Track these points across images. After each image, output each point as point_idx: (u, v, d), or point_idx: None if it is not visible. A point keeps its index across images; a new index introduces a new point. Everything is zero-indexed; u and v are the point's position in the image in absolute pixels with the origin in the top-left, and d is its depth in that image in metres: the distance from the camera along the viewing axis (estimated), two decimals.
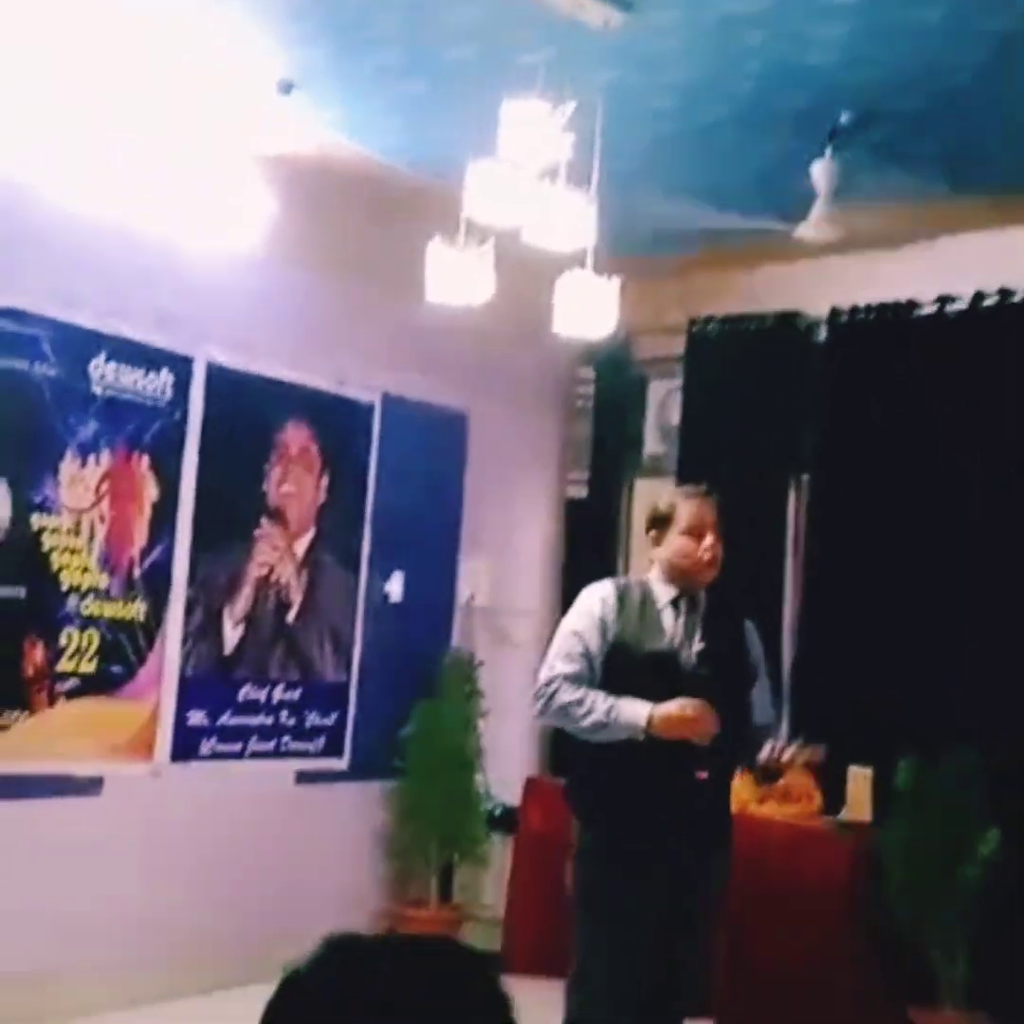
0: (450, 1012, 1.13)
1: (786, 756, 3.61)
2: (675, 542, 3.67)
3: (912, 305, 5.70)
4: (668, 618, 3.66)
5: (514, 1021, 1.17)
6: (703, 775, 3.51)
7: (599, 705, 3.49)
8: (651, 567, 3.77)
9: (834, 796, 5.41)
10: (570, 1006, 3.56)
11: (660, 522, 3.72)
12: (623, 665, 3.57)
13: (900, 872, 4.82)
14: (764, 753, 3.65)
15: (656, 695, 3.48)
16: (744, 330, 6.25)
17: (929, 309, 5.67)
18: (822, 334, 6.05)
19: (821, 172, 4.79)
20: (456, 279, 3.99)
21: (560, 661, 3.60)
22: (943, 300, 5.62)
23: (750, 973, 5.20)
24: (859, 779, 5.31)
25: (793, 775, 5.48)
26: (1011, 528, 5.34)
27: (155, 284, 5.07)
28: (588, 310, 4.19)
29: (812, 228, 4.85)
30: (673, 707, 3.44)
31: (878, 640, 5.63)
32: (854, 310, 5.88)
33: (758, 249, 5.97)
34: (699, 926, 3.64)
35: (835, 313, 5.94)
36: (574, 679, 3.55)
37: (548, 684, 3.57)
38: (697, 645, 3.63)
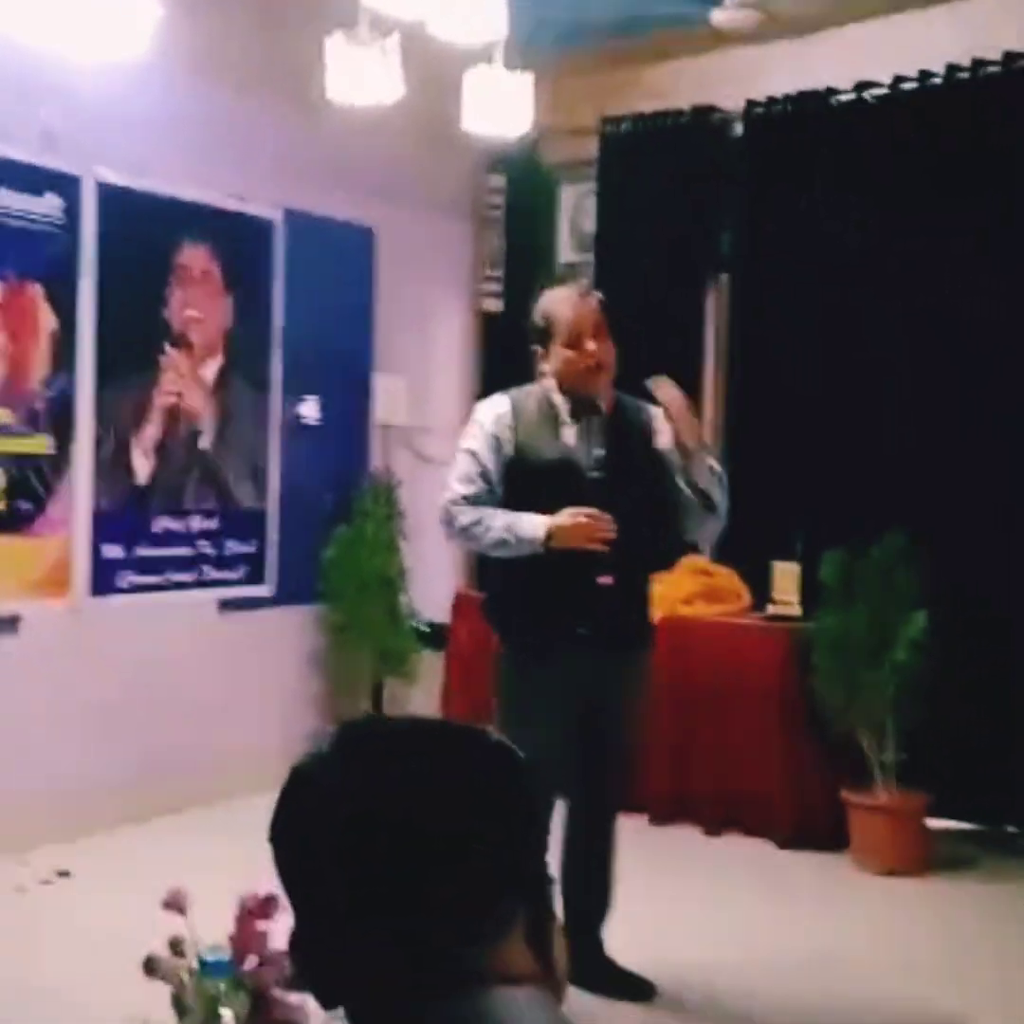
0: (468, 801, 1.09)
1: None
2: (558, 354, 3.51)
3: (830, 92, 5.54)
4: (568, 429, 3.54)
5: (538, 814, 1.15)
6: (607, 580, 3.44)
7: (497, 523, 3.44)
8: (545, 378, 3.61)
9: (761, 594, 5.45)
10: None
11: (540, 336, 3.55)
12: (522, 478, 3.50)
13: (829, 661, 4.90)
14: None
15: (557, 505, 3.41)
16: (658, 128, 6.05)
17: (847, 96, 5.51)
18: (738, 128, 5.88)
19: None
20: (360, 78, 3.76)
21: (457, 482, 3.53)
22: (862, 86, 5.46)
23: (685, 769, 5.31)
24: (785, 574, 5.35)
25: (721, 574, 5.54)
26: (932, 315, 5.30)
27: (37, 101, 4.75)
28: (499, 108, 4.01)
29: (728, 14, 4.65)
30: (564, 517, 3.38)
31: (801, 437, 5.63)
32: (771, 101, 5.72)
33: (670, 42, 5.76)
34: (619, 729, 3.65)
35: (751, 105, 5.76)
36: (472, 499, 3.49)
37: (447, 507, 3.52)
38: (596, 451, 3.49)
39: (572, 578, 3.45)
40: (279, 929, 2.01)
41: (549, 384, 3.58)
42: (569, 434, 3.54)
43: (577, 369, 3.49)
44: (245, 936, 2.04)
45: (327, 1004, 1.11)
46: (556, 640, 3.51)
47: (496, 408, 3.57)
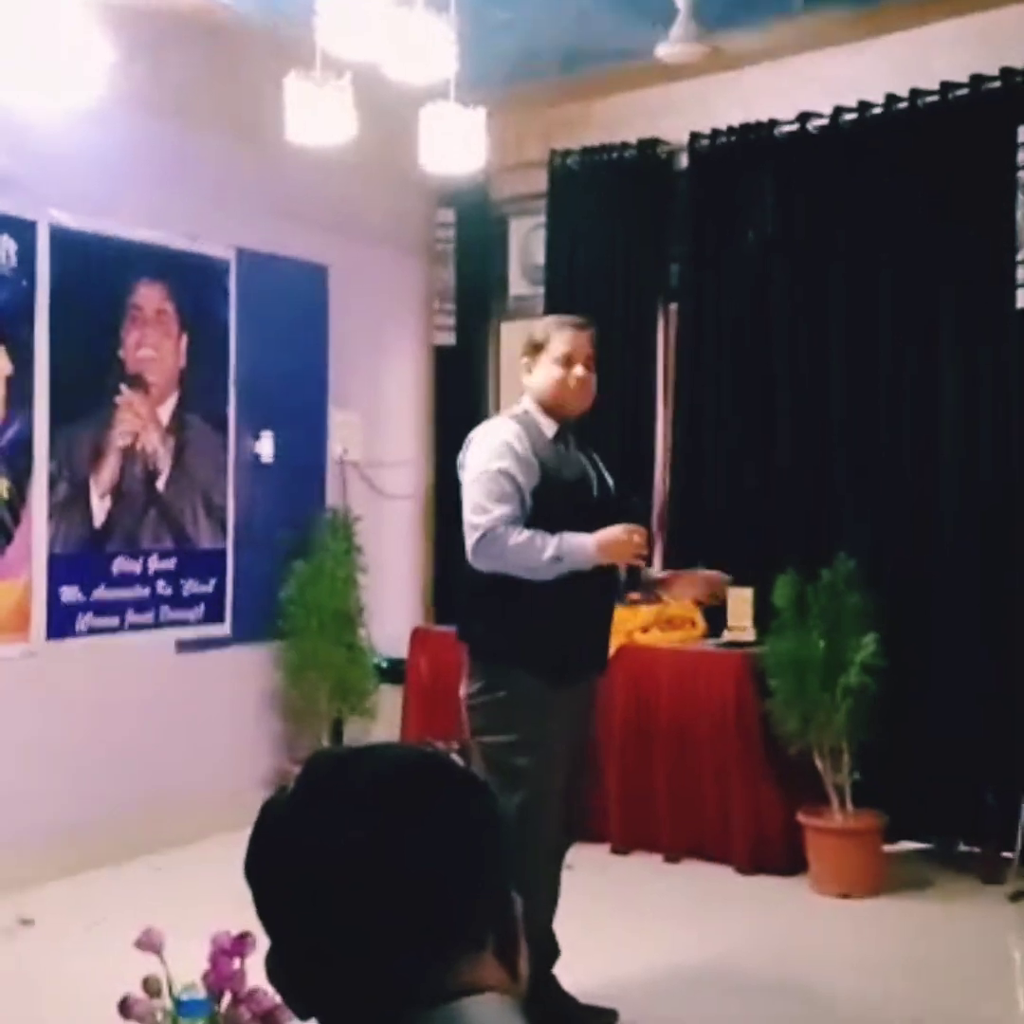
0: (434, 827, 1.12)
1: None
2: (546, 370, 3.63)
3: (773, 124, 5.64)
4: (558, 452, 3.65)
5: (500, 837, 1.17)
6: (636, 596, 3.67)
7: (549, 541, 3.45)
8: (522, 400, 3.71)
9: (716, 620, 5.50)
10: None
11: (533, 349, 3.68)
12: (548, 499, 3.54)
13: (783, 685, 4.94)
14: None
15: (575, 524, 3.51)
16: (605, 161, 6.14)
17: (789, 127, 5.61)
18: (683, 160, 5.97)
19: None
20: (315, 117, 3.80)
21: (495, 503, 3.48)
22: (804, 117, 5.56)
23: (644, 795, 5.34)
24: (739, 600, 5.40)
25: (677, 604, 5.59)
26: (875, 344, 5.40)
27: None
28: (453, 145, 4.05)
29: (674, 47, 4.73)
30: (618, 531, 3.47)
31: (749, 465, 5.70)
32: (715, 133, 5.80)
33: (615, 76, 5.84)
34: (587, 754, 3.77)
35: (695, 137, 5.85)
36: (514, 520, 3.48)
37: (493, 528, 3.46)
38: (590, 475, 3.70)
39: (599, 597, 3.62)
40: (254, 966, 2.03)
41: (530, 407, 3.66)
42: (574, 458, 3.68)
43: (563, 388, 3.62)
44: (220, 975, 2.05)
45: (302, 1016, 1.16)
46: (577, 665, 3.61)
47: (513, 431, 3.59)
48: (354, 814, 1.12)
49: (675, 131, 5.96)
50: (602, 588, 3.63)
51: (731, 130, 5.76)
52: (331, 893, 1.10)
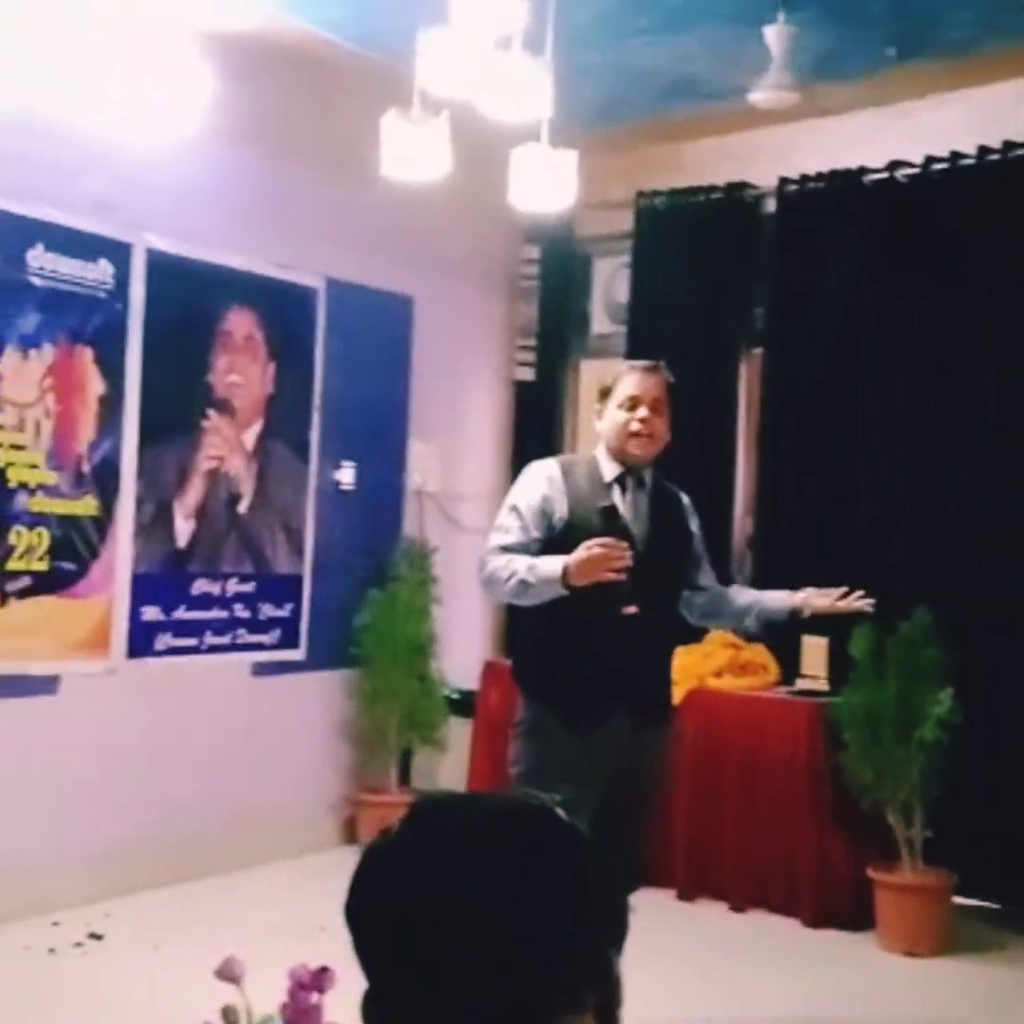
0: (533, 880, 1.12)
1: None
2: (610, 415, 3.62)
3: (863, 171, 5.63)
4: (616, 496, 3.60)
5: (595, 892, 1.16)
6: (631, 609, 3.47)
7: (520, 566, 3.45)
8: (598, 444, 3.73)
9: (789, 667, 5.47)
10: None
11: (603, 395, 3.69)
12: (571, 542, 3.44)
13: (857, 737, 4.90)
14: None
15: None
16: (692, 203, 6.16)
17: (880, 175, 5.60)
18: (771, 205, 5.98)
19: (775, 36, 4.68)
20: (411, 154, 3.85)
21: (496, 534, 3.59)
22: (894, 165, 5.55)
23: (711, 841, 5.30)
24: (814, 648, 5.36)
25: (749, 648, 5.56)
26: (963, 392, 5.35)
27: (91, 169, 4.88)
28: (544, 184, 4.08)
29: (767, 94, 4.74)
30: (580, 550, 3.36)
31: (831, 512, 5.66)
32: (804, 178, 5.80)
33: (706, 119, 5.87)
34: (641, 801, 3.61)
35: (784, 182, 5.85)
36: (505, 549, 3.52)
37: (482, 557, 3.57)
38: (645, 524, 3.61)
39: (597, 615, 3.45)
40: (332, 1002, 2.03)
41: (599, 450, 3.67)
42: (619, 503, 3.60)
43: (622, 432, 3.58)
44: (298, 1009, 2.06)
45: None
46: (593, 700, 3.50)
47: (548, 471, 3.63)
48: (458, 861, 1.12)
49: (763, 176, 5.97)
50: (626, 622, 3.48)
51: (820, 176, 5.76)
52: (432, 940, 1.10)
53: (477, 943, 1.09)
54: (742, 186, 6.04)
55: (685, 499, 3.81)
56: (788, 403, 5.87)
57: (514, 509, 3.58)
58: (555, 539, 3.52)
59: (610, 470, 3.62)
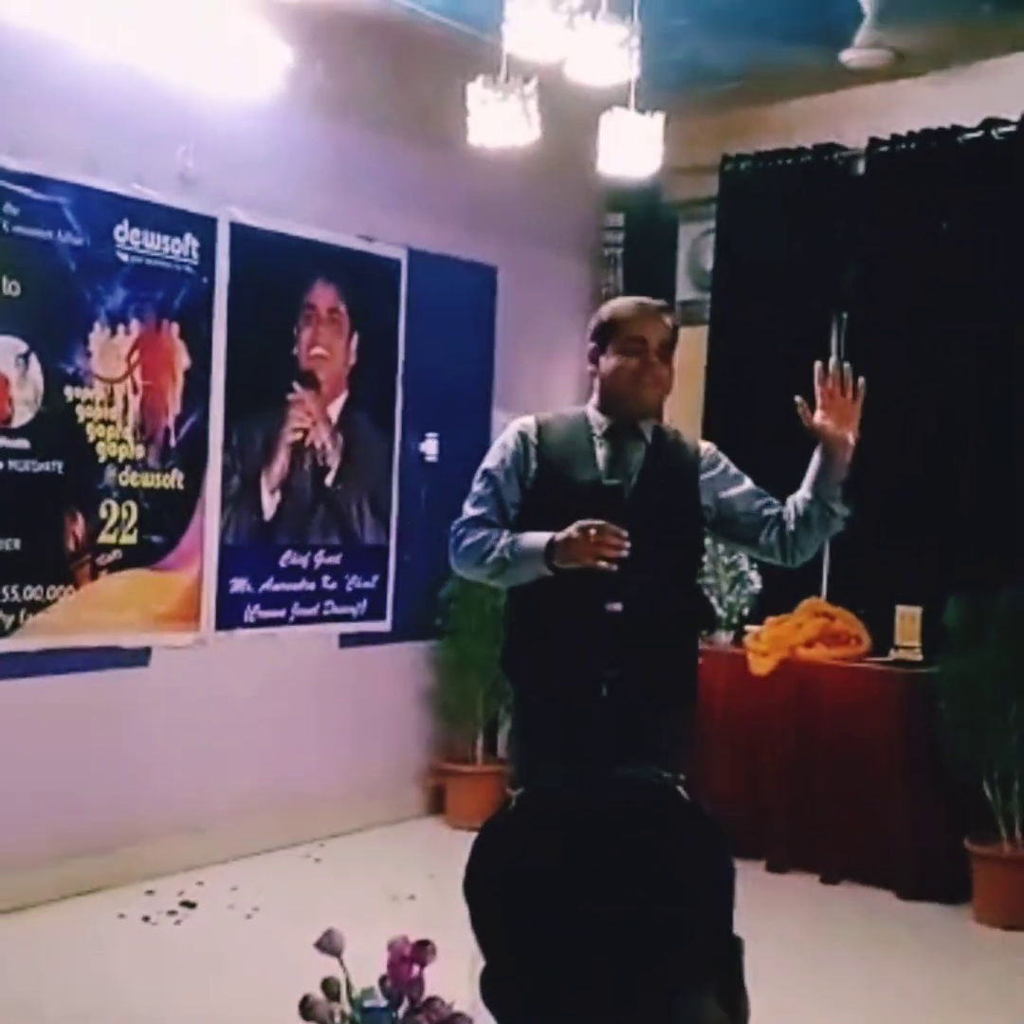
0: (661, 859, 1.10)
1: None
2: (609, 360, 3.19)
3: (956, 131, 5.49)
4: (602, 450, 3.19)
5: (722, 871, 1.13)
6: (616, 607, 3.03)
7: (500, 543, 3.10)
8: (591, 393, 3.30)
9: (882, 637, 5.38)
10: None
11: (598, 335, 3.24)
12: (548, 502, 3.13)
13: (954, 709, 4.82)
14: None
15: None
16: (779, 166, 6.04)
17: (974, 134, 5.45)
18: (861, 167, 5.85)
19: None
20: (498, 122, 3.81)
21: (468, 504, 3.22)
22: (989, 123, 5.40)
23: (804, 813, 5.25)
24: (907, 619, 5.28)
25: (841, 617, 5.47)
26: None
27: (175, 144, 4.90)
28: (631, 149, 4.03)
29: (859, 52, 4.64)
30: (571, 528, 2.99)
31: (925, 477, 5.55)
32: (895, 139, 5.67)
33: (792, 81, 5.75)
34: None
35: (874, 143, 5.72)
36: (478, 521, 3.17)
37: (454, 531, 3.21)
38: (635, 481, 3.16)
39: (580, 606, 3.04)
40: (433, 975, 2.02)
41: (591, 401, 3.27)
42: (602, 457, 3.19)
43: (627, 376, 3.16)
44: (399, 981, 2.05)
45: None
46: (573, 683, 3.11)
47: (522, 427, 3.24)
48: (583, 839, 1.09)
49: (853, 137, 5.84)
50: (587, 591, 3.02)
51: (912, 136, 5.62)
52: (552, 918, 1.08)
53: (604, 922, 1.07)
54: (831, 148, 5.92)
55: (704, 447, 3.31)
56: (878, 366, 5.70)
57: (485, 474, 3.23)
58: (528, 504, 3.17)
59: (600, 423, 3.22)
